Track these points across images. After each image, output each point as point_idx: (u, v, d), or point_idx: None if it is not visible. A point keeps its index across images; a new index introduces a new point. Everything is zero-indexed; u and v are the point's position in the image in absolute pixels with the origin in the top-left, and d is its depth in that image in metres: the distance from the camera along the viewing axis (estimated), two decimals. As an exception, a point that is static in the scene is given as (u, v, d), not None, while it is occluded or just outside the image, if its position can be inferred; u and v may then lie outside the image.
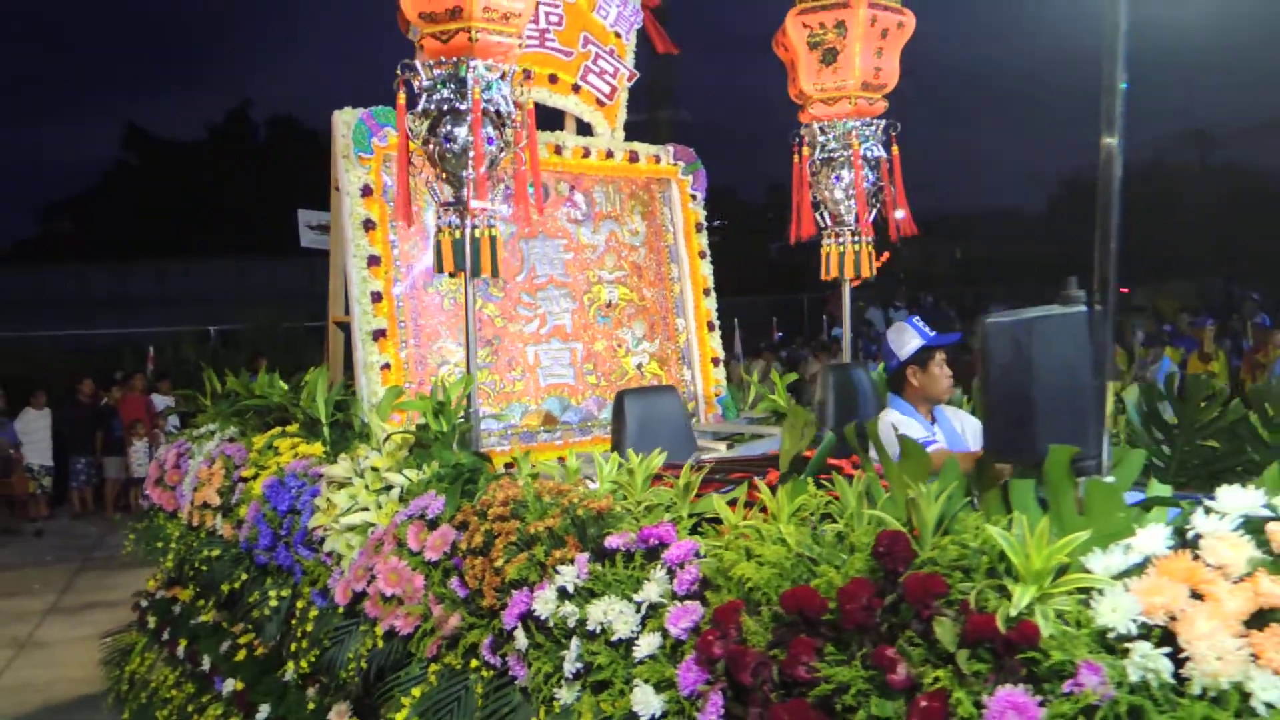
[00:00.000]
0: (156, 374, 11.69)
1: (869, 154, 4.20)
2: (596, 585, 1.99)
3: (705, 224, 5.18)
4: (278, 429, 3.90)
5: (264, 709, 3.32)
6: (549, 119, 4.76)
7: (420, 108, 3.20)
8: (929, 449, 2.99)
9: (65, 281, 22.99)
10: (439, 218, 3.29)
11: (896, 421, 3.07)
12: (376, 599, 2.58)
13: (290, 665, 3.14)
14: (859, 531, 1.70)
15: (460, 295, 4.10)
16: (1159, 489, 1.63)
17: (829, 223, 4.35)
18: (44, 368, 12.58)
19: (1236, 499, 1.50)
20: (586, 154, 4.80)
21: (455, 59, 3.12)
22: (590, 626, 1.91)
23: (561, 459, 2.70)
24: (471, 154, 3.08)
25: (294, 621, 3.11)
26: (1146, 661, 1.30)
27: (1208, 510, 1.49)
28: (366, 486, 2.96)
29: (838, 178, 4.20)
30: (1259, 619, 1.33)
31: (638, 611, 1.87)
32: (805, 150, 4.30)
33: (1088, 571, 1.44)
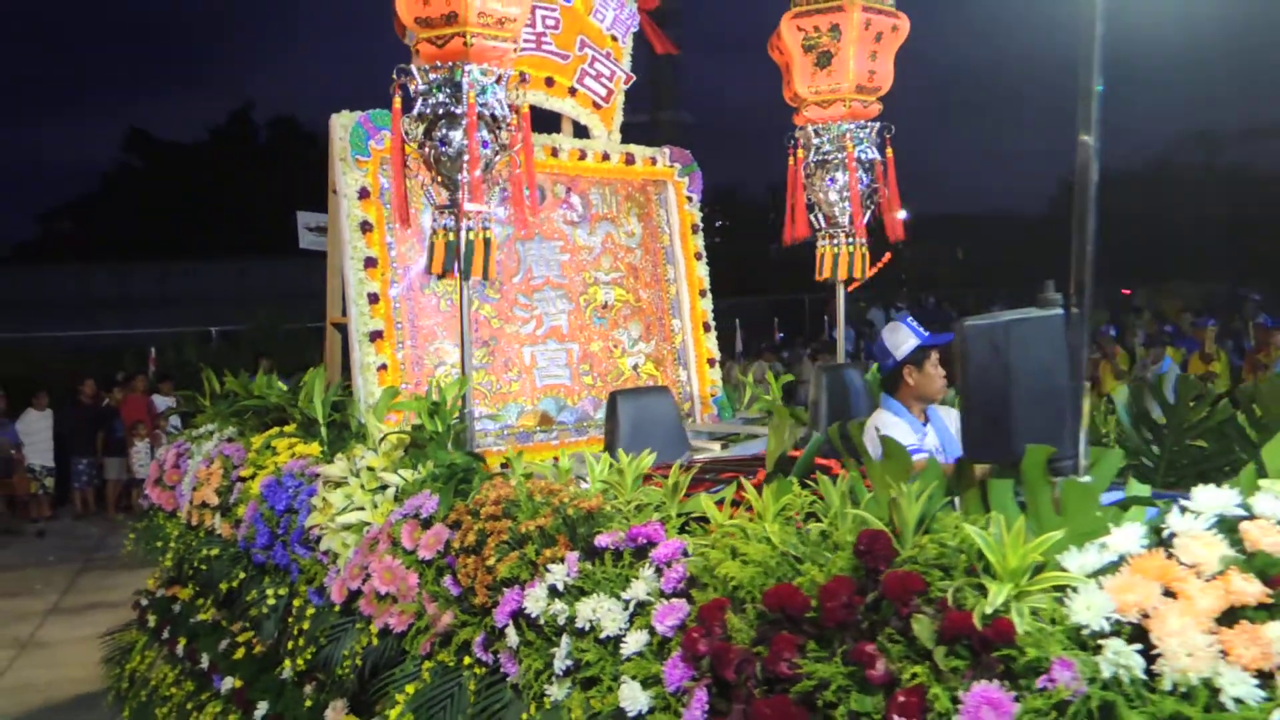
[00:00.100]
0: (158, 375, 11.73)
1: (863, 156, 4.23)
2: (586, 584, 2.02)
3: (701, 225, 5.21)
4: (275, 429, 3.93)
5: (262, 706, 3.35)
6: (546, 121, 4.79)
7: (416, 111, 3.23)
8: (919, 451, 3.02)
9: (66, 283, 23.05)
10: (434, 220, 3.32)
11: (887, 423, 3.09)
12: (371, 597, 2.61)
13: (287, 663, 3.17)
14: (842, 530, 1.73)
15: (457, 296, 4.14)
16: (1138, 488, 1.65)
17: (823, 224, 4.38)
18: (45, 368, 12.62)
19: (1211, 498, 1.53)
20: (583, 156, 4.83)
21: (450, 64, 3.15)
22: (580, 624, 1.94)
23: (555, 459, 2.73)
24: (466, 157, 3.11)
25: (291, 620, 3.14)
26: (1119, 658, 1.32)
27: (1183, 510, 1.52)
28: (362, 486, 2.99)
29: (832, 180, 4.23)
30: (1230, 616, 1.36)
31: (625, 609, 1.90)
32: (800, 152, 4.33)
33: (1063, 570, 1.46)
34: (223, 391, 4.80)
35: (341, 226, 4.18)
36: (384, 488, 2.95)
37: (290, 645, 3.11)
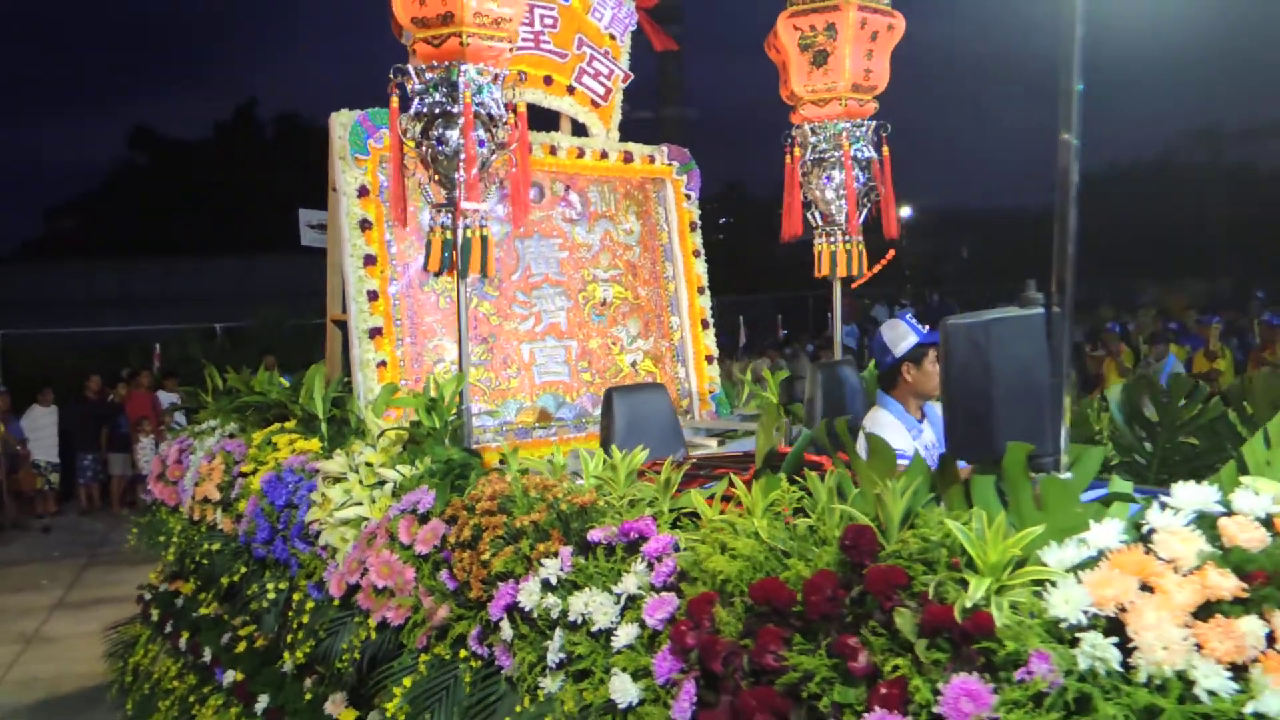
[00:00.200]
0: (163, 371, 11.79)
1: (859, 155, 4.24)
2: (579, 578, 2.05)
3: (699, 223, 5.23)
4: (276, 425, 3.97)
5: (263, 699, 3.38)
6: (544, 120, 4.81)
7: (413, 111, 3.25)
8: (905, 458, 3.05)
9: (71, 280, 23.09)
10: (431, 218, 3.35)
11: (881, 423, 3.12)
12: (369, 591, 2.64)
13: (288, 656, 3.20)
14: (829, 526, 1.76)
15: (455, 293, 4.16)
16: (1120, 485, 1.67)
17: (820, 222, 4.40)
18: (50, 365, 12.69)
19: (1191, 495, 1.55)
20: (581, 154, 4.85)
21: (447, 63, 3.18)
22: (572, 618, 1.97)
23: (549, 457, 2.75)
24: (463, 156, 3.13)
25: (291, 614, 3.17)
26: (1095, 651, 1.35)
27: (1163, 506, 1.54)
28: (361, 481, 3.02)
29: (828, 178, 4.25)
30: (1206, 611, 1.38)
31: (617, 603, 1.93)
32: (797, 151, 4.34)
33: (1043, 565, 1.49)
34: (225, 388, 4.84)
35: (341, 224, 4.21)
36: (382, 483, 2.98)
37: (290, 639, 3.14)
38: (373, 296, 4.16)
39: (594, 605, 1.95)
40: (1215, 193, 23.99)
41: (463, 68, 3.15)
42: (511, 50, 3.30)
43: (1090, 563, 1.47)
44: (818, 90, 4.18)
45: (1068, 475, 1.61)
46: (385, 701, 2.45)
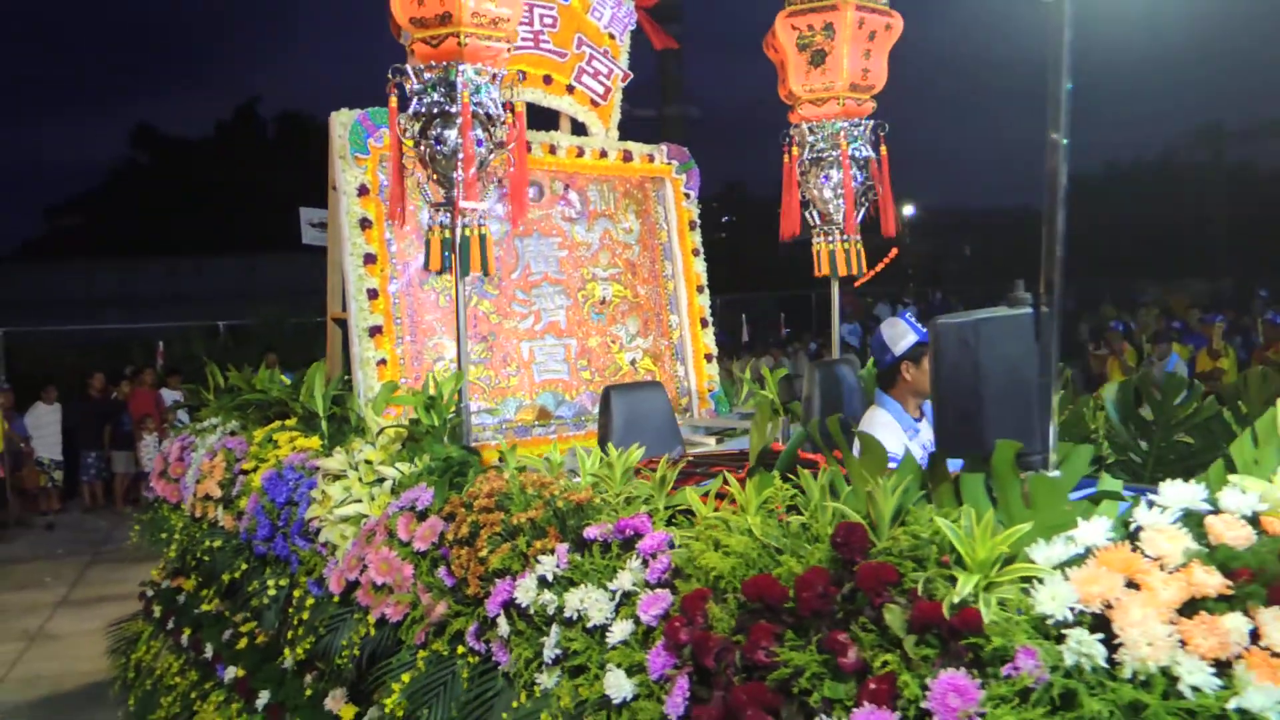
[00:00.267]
0: (166, 369, 11.83)
1: (857, 154, 4.26)
2: (575, 574, 2.06)
3: (699, 222, 5.25)
4: (277, 423, 3.99)
5: (264, 695, 3.41)
6: (544, 119, 4.83)
7: (411, 110, 3.27)
8: (896, 460, 3.07)
9: (73, 280, 23.16)
10: (430, 217, 3.37)
11: (877, 423, 3.13)
12: (368, 588, 2.66)
13: (288, 652, 3.23)
14: (821, 523, 1.77)
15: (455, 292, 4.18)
16: (1109, 483, 1.69)
17: (818, 221, 4.42)
18: (51, 363, 12.73)
19: (1178, 493, 1.57)
20: (581, 153, 4.87)
21: (445, 63, 3.19)
22: (568, 614, 1.99)
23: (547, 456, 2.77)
24: (461, 156, 3.15)
25: (291, 610, 3.19)
26: (1081, 646, 1.36)
27: (1151, 504, 1.56)
28: (360, 479, 3.04)
29: (826, 177, 4.26)
30: (1191, 608, 1.39)
31: (612, 599, 1.95)
32: (795, 150, 4.36)
33: (1031, 562, 1.50)
34: (227, 386, 4.87)
35: (341, 223, 4.23)
36: (381, 481, 3.00)
37: (290, 635, 3.16)
38: (373, 295, 4.18)
39: (589, 602, 1.97)
40: (1216, 192, 23.98)
41: (461, 68, 3.17)
42: (509, 50, 3.31)
43: (1077, 560, 1.49)
44: (815, 90, 4.19)
45: (1056, 473, 1.62)
46: (384, 697, 2.48)
